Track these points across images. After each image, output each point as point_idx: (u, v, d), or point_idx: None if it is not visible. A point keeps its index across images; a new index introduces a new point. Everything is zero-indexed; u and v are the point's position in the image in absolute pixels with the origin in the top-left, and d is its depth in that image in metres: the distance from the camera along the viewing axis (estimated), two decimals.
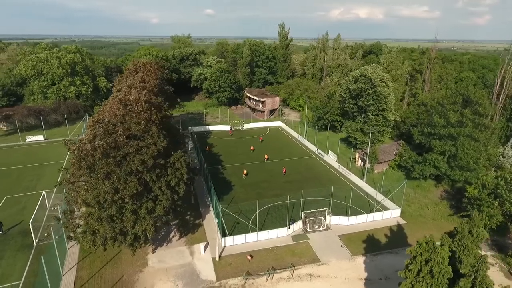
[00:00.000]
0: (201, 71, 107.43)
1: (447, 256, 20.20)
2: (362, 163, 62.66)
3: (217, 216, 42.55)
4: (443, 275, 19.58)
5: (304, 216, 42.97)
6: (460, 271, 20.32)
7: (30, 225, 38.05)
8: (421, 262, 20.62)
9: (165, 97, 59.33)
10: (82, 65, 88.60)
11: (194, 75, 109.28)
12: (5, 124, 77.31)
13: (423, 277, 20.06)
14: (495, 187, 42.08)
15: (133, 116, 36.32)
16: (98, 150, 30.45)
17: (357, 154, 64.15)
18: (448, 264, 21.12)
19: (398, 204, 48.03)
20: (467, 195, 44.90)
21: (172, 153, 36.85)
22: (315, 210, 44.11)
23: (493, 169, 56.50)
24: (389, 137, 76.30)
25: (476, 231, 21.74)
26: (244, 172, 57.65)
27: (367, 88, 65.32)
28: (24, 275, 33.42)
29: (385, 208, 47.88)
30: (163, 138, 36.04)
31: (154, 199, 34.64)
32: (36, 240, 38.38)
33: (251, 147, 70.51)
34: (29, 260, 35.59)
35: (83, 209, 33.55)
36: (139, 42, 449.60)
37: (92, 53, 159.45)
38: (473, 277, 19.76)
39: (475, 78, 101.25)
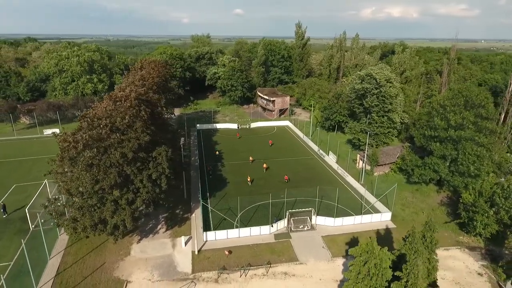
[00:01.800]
0: (216, 70, 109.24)
1: (387, 258, 19.78)
2: (364, 164, 61.36)
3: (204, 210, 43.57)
4: (381, 277, 19.20)
5: (288, 215, 42.95)
6: (395, 273, 19.84)
7: (27, 211, 40.83)
8: (360, 263, 20.30)
9: (168, 94, 61.21)
10: (100, 63, 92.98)
11: (208, 74, 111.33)
12: (27, 118, 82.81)
13: (362, 278, 19.77)
14: (491, 194, 40.00)
15: (120, 111, 37.96)
16: (80, 143, 32.27)
17: (358, 155, 62.91)
18: (395, 267, 20.70)
19: (390, 208, 46.78)
20: (461, 201, 42.97)
21: (157, 148, 38.14)
22: (300, 209, 43.94)
23: (504, 176, 53.47)
24: (399, 140, 74.14)
25: (430, 235, 21.07)
26: (249, 179, 55.30)
27: (372, 88, 63.86)
28: (16, 257, 35.99)
29: (376, 211, 46.79)
30: (147, 133, 37.35)
31: (136, 191, 36.13)
32: (33, 226, 41.16)
33: (250, 158, 64.05)
34: (23, 244, 38.27)
35: (69, 198, 35.61)
36: (169, 41, 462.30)
37: (122, 52, 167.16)
38: (405, 280, 19.22)
39: (500, 80, 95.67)
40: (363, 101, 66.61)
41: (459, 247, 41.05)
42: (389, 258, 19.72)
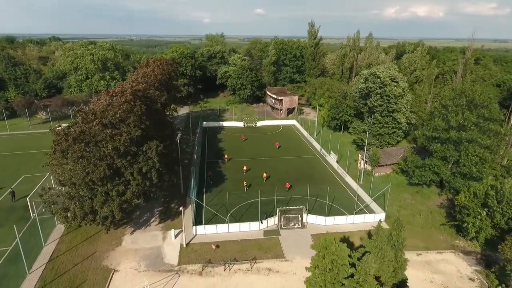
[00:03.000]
0: (226, 69, 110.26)
1: (345, 255, 19.66)
2: (365, 165, 60.46)
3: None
4: (337, 273, 19.11)
5: (278, 212, 43.05)
6: (349, 270, 19.67)
7: (28, 200, 42.97)
8: (318, 258, 20.27)
9: (172, 92, 62.43)
10: (114, 61, 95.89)
11: (219, 72, 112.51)
12: (43, 113, 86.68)
13: (319, 273, 19.75)
14: (485, 196, 38.62)
15: (115, 106, 39.21)
16: (70, 136, 33.70)
17: (360, 155, 62.02)
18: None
19: (388, 209, 46.01)
20: (456, 203, 41.70)
21: (148, 142, 39.17)
22: (291, 207, 43.94)
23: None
24: (407, 141, 72.46)
25: (397, 234, 20.81)
26: (245, 168, 58.38)
27: (376, 88, 62.80)
28: (14, 242, 37.99)
29: (371, 212, 46.09)
30: (139, 128, 38.33)
31: (126, 184, 37.31)
32: (34, 214, 43.26)
33: (244, 167, 59.22)
34: (23, 231, 40.39)
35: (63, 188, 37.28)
36: (190, 41, 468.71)
37: (144, 51, 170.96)
38: (358, 277, 19.01)
39: None
40: (367, 101, 65.59)
41: (453, 251, 39.87)
42: (349, 255, 19.57)
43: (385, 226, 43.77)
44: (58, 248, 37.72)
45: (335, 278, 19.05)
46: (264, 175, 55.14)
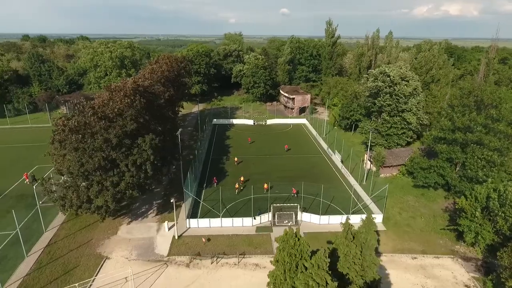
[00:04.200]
0: (241, 68, 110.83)
1: (305, 249, 19.37)
2: (370, 165, 59.05)
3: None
4: (295, 266, 18.88)
5: (272, 209, 42.90)
6: (308, 264, 19.35)
7: (34, 188, 45.26)
8: (279, 251, 20.08)
9: (181, 88, 63.60)
10: (131, 59, 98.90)
11: (234, 71, 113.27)
12: (64, 108, 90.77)
13: (279, 266, 19.59)
14: (486, 199, 36.70)
15: (116, 101, 40.54)
16: (67, 127, 35.24)
17: (366, 155, 60.60)
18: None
19: (387, 210, 44.79)
20: (456, 207, 39.93)
21: (144, 136, 40.13)
22: (285, 204, 43.69)
23: None
24: (420, 142, 69.97)
25: (365, 231, 20.37)
26: (236, 159, 60.60)
27: (385, 87, 61.10)
28: (19, 227, 40.22)
29: (370, 212, 44.94)
30: (136, 121, 39.31)
31: (121, 175, 38.50)
32: (40, 202, 45.49)
33: (235, 159, 61.60)
34: (28, 217, 42.64)
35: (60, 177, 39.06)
36: (215, 41, 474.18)
37: (171, 51, 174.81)
38: (310, 271, 18.62)
39: None
40: (376, 100, 63.96)
41: (452, 256, 38.24)
42: (307, 250, 19.27)
43: (381, 228, 42.75)
44: (57, 234, 39.62)
45: (292, 271, 18.83)
46: (265, 186, 50.34)
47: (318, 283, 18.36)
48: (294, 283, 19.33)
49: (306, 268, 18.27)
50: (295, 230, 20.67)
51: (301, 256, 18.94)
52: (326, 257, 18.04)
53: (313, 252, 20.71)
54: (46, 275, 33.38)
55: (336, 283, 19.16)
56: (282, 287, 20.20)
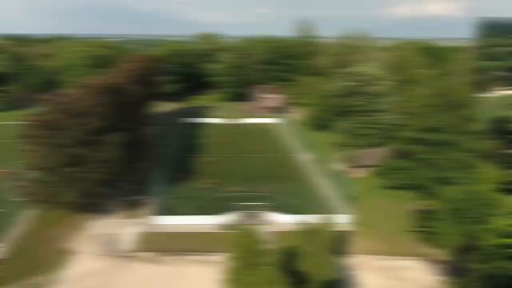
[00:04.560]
0: (216, 67, 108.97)
1: (254, 246, 18.64)
2: (341, 166, 58.17)
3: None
4: (244, 261, 18.09)
5: (240, 208, 42.48)
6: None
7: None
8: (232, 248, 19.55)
9: (151, 87, 62.14)
10: (107, 58, 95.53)
11: (209, 70, 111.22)
12: (39, 106, 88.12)
13: (231, 262, 19.05)
14: (457, 201, 36.00)
15: (85, 98, 39.51)
16: (36, 123, 35.49)
17: (337, 156, 59.69)
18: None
19: (355, 211, 43.81)
20: (427, 208, 39.31)
21: (113, 133, 39.50)
22: (252, 203, 42.50)
23: None
24: (393, 142, 69.77)
25: (322, 236, 19.02)
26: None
27: (358, 86, 60.54)
28: None
29: (338, 213, 43.78)
30: (103, 119, 38.72)
31: (88, 171, 37.43)
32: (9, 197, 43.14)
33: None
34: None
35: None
36: (191, 40, 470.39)
37: (147, 50, 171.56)
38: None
39: None
40: (348, 100, 63.29)
41: (420, 258, 37.54)
42: (261, 248, 18.42)
43: (351, 228, 41.74)
44: (25, 229, 39.03)
45: (247, 268, 17.95)
46: (234, 185, 50.24)
47: (270, 280, 17.57)
48: (248, 279, 19.34)
49: (259, 265, 17.50)
50: (260, 229, 20.01)
51: (255, 253, 18.03)
52: (280, 255, 17.21)
53: (270, 250, 20.10)
54: (13, 269, 33.22)
55: (289, 280, 18.72)
56: (237, 283, 20.52)
